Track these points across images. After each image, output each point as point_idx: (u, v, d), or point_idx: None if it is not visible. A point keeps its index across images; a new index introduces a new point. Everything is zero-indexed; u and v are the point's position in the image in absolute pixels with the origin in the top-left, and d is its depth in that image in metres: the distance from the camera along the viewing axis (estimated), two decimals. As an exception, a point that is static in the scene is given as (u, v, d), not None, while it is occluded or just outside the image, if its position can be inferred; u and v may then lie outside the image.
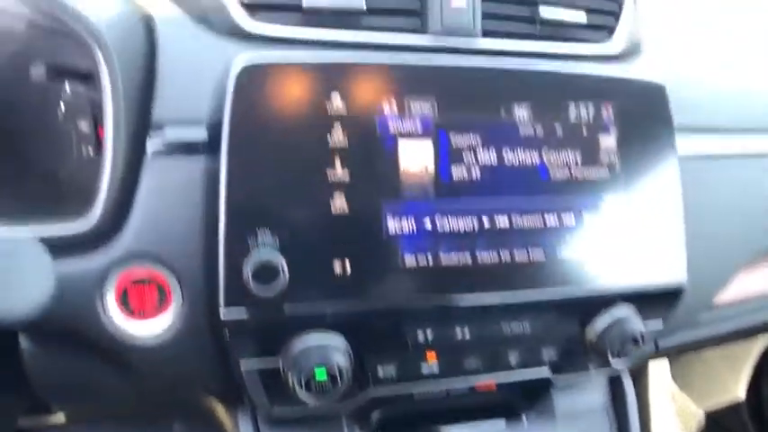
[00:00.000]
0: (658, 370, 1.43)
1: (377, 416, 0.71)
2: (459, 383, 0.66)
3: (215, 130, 0.57)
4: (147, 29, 0.61)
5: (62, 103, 0.68)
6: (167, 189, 0.57)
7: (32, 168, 0.68)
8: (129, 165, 0.57)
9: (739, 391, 1.39)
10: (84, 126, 0.69)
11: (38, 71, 0.59)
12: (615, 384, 0.80)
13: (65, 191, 0.68)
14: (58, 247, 0.55)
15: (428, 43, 0.65)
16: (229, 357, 0.59)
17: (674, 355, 1.37)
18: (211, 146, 0.57)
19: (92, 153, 0.68)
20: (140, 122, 0.58)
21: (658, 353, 0.83)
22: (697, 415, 1.47)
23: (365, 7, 0.64)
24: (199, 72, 0.59)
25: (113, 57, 0.55)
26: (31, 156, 0.68)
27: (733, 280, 0.80)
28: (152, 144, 0.58)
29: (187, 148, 0.58)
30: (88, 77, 0.64)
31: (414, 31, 0.65)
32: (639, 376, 1.37)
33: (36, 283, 0.38)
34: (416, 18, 0.65)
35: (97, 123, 0.69)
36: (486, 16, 0.66)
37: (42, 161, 0.68)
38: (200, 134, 0.58)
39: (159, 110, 0.58)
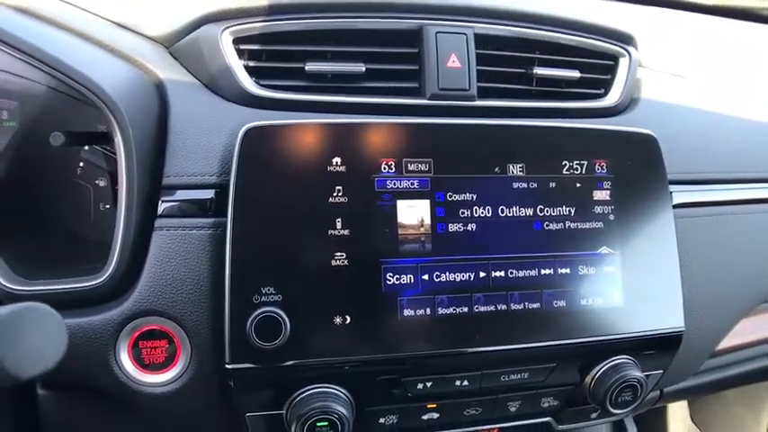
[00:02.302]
0: (678, 411, 1.41)
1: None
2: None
3: (222, 190, 0.60)
4: (159, 93, 0.65)
5: (80, 163, 0.73)
6: (177, 248, 0.60)
7: (50, 226, 0.72)
8: (141, 224, 0.60)
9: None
10: (101, 183, 0.74)
11: (56, 140, 0.63)
12: (619, 430, 0.81)
13: (81, 247, 0.72)
14: (74, 302, 0.59)
15: (425, 104, 0.68)
16: (235, 407, 0.61)
17: (692, 397, 1.36)
18: (218, 206, 0.60)
19: (108, 208, 0.73)
20: (152, 183, 0.61)
21: (665, 399, 0.83)
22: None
23: (364, 70, 0.67)
24: (208, 135, 0.63)
25: (126, 122, 0.59)
26: (49, 214, 0.72)
27: (734, 327, 0.80)
28: (163, 205, 0.61)
29: (196, 209, 0.61)
30: (106, 136, 0.69)
31: (411, 93, 0.68)
32: (659, 417, 1.36)
33: (50, 345, 0.41)
34: (414, 81, 0.69)
35: (114, 180, 0.74)
36: (481, 76, 0.69)
37: (59, 219, 0.72)
38: (208, 195, 0.61)
39: (170, 171, 0.61)
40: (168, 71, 0.67)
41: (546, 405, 0.68)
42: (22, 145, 0.72)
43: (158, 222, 0.61)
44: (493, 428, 0.69)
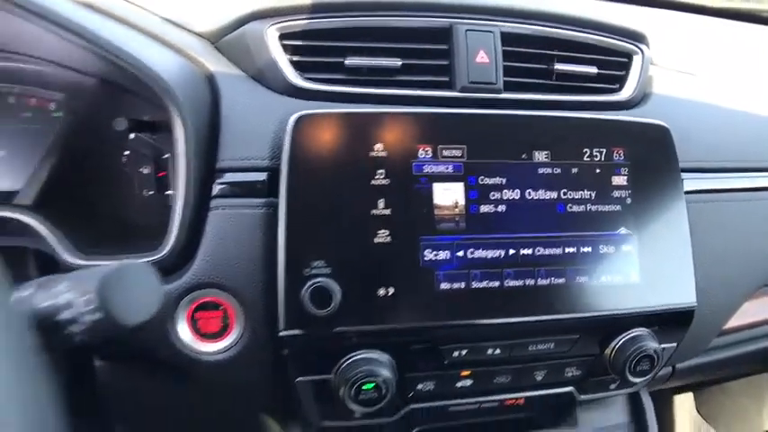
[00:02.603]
0: (684, 402, 1.46)
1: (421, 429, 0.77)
2: (490, 399, 0.72)
3: (272, 173, 0.66)
4: (210, 84, 0.70)
5: (125, 152, 0.78)
6: (231, 226, 0.65)
7: (98, 211, 0.77)
8: (197, 204, 0.65)
9: (764, 423, 1.42)
10: (145, 170, 0.79)
11: (120, 125, 0.68)
12: (635, 402, 0.86)
13: (127, 230, 0.77)
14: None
15: (456, 96, 0.73)
16: (285, 374, 0.66)
17: (698, 387, 1.41)
18: (269, 188, 0.66)
19: (152, 194, 0.78)
20: (206, 168, 0.66)
21: (676, 377, 0.89)
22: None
23: (400, 65, 0.73)
24: (257, 122, 0.68)
25: (186, 109, 0.64)
26: (97, 199, 0.77)
27: (740, 308, 0.86)
28: (217, 187, 0.66)
29: (249, 190, 0.66)
30: (158, 125, 0.74)
31: (443, 86, 0.74)
32: (665, 409, 1.41)
33: (150, 298, 0.46)
34: (445, 75, 0.74)
35: (158, 167, 0.79)
36: (506, 71, 0.75)
37: (107, 204, 0.77)
38: (259, 177, 0.66)
39: (224, 156, 0.66)
40: (217, 64, 0.72)
41: (569, 375, 0.73)
42: (69, 135, 0.77)
43: (213, 203, 0.66)
44: (519, 398, 0.74)
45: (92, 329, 0.42)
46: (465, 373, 0.69)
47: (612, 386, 0.77)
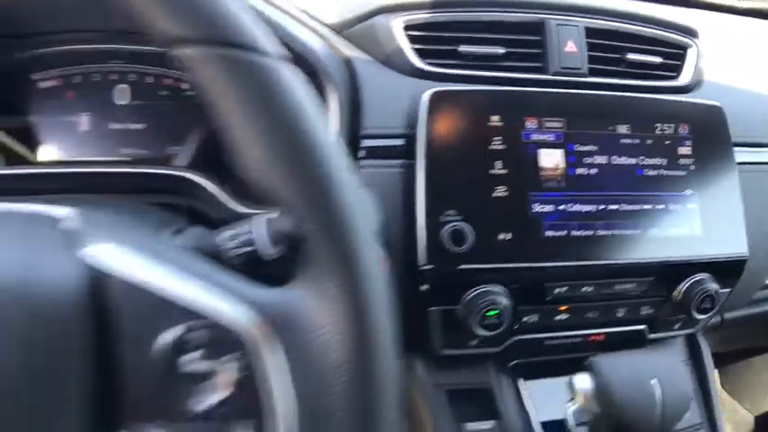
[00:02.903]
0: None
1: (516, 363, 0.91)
2: (579, 334, 0.87)
3: (408, 140, 0.79)
4: (348, 66, 0.84)
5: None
6: (374, 182, 0.79)
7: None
8: (345, 165, 0.79)
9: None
10: None
11: None
12: (693, 346, 1.01)
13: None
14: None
15: (549, 79, 0.88)
16: (414, 307, 0.79)
17: (724, 363, 1.54)
18: (407, 151, 0.79)
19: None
20: (353, 135, 0.80)
21: (724, 326, 1.04)
22: (747, 420, 1.60)
23: (502, 53, 0.87)
24: (393, 98, 0.81)
25: (340, 88, 0.78)
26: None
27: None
28: (362, 151, 0.80)
29: (387, 153, 0.80)
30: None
31: (537, 70, 0.88)
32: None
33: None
34: (539, 61, 0.89)
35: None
36: (589, 59, 0.89)
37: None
38: (396, 143, 0.80)
39: (366, 125, 0.80)
40: (350, 50, 0.86)
41: (644, 313, 0.87)
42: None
43: (360, 163, 0.79)
44: (601, 333, 0.88)
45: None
46: (563, 308, 0.83)
47: (677, 326, 0.91)
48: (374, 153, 0.80)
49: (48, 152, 0.92)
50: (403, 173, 0.79)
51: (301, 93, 0.40)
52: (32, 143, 0.91)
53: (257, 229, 0.49)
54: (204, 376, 0.40)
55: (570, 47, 0.88)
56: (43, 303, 0.39)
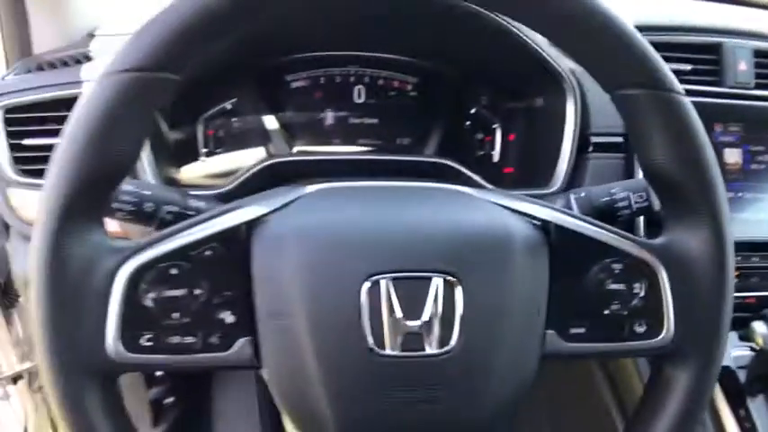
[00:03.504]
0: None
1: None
2: (740, 295, 1.11)
3: (626, 137, 1.03)
4: (576, 77, 1.07)
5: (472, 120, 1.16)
6: (600, 170, 1.02)
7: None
8: (576, 156, 1.02)
9: None
10: (479, 136, 1.17)
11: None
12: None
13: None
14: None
15: (725, 91, 1.11)
16: None
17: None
18: (626, 147, 1.03)
19: (497, 156, 1.16)
20: (584, 132, 1.03)
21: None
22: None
23: (689, 69, 1.10)
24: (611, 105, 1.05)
25: (574, 95, 1.01)
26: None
27: None
28: (591, 145, 1.03)
29: (610, 148, 1.03)
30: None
31: (715, 83, 1.11)
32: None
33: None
34: (716, 76, 1.12)
35: (506, 133, 1.16)
36: (756, 75, 1.13)
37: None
38: (617, 140, 1.03)
39: (593, 125, 1.03)
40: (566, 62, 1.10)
41: None
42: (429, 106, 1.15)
43: (589, 156, 1.03)
44: (754, 296, 1.12)
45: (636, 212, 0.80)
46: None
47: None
48: (600, 147, 1.03)
49: (300, 141, 1.16)
50: (622, 164, 1.03)
51: (698, 120, 0.64)
52: (290, 133, 1.15)
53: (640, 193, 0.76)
54: (620, 293, 0.65)
55: (743, 66, 1.12)
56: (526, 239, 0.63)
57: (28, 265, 0.55)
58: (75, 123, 0.53)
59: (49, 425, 1.54)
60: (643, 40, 0.61)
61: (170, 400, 1.51)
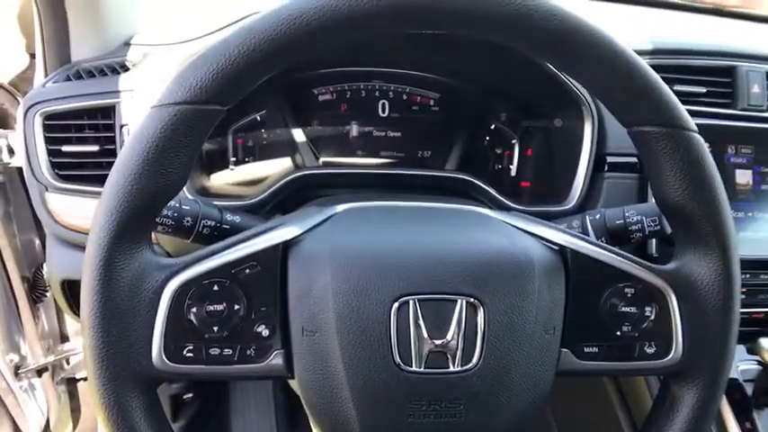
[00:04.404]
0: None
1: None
2: (747, 311, 1.14)
3: (639, 158, 1.06)
4: (595, 102, 1.10)
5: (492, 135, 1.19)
6: (615, 189, 1.06)
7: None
8: (592, 175, 1.06)
9: None
10: (498, 150, 1.20)
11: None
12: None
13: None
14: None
15: (737, 113, 1.14)
16: None
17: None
18: (640, 168, 1.06)
19: (514, 170, 1.19)
20: (600, 153, 1.06)
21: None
22: None
23: (704, 91, 1.13)
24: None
25: (592, 117, 1.05)
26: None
27: None
28: (606, 165, 1.07)
29: (625, 168, 1.07)
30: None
31: (728, 105, 1.14)
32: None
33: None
34: (729, 98, 1.15)
35: (524, 149, 1.20)
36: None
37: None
38: (632, 160, 1.07)
39: (610, 146, 1.07)
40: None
41: None
42: (446, 120, 1.18)
43: (605, 174, 1.06)
44: (761, 312, 1.15)
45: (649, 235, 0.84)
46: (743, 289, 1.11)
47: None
48: (615, 167, 1.07)
49: (325, 152, 1.20)
50: (636, 183, 1.07)
51: (710, 157, 0.67)
52: (316, 144, 1.18)
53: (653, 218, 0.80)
54: (632, 315, 0.69)
55: (755, 88, 1.14)
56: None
57: (82, 280, 0.60)
58: (131, 151, 0.58)
59: (70, 417, 1.60)
60: (660, 81, 0.64)
61: (189, 395, 1.56)
